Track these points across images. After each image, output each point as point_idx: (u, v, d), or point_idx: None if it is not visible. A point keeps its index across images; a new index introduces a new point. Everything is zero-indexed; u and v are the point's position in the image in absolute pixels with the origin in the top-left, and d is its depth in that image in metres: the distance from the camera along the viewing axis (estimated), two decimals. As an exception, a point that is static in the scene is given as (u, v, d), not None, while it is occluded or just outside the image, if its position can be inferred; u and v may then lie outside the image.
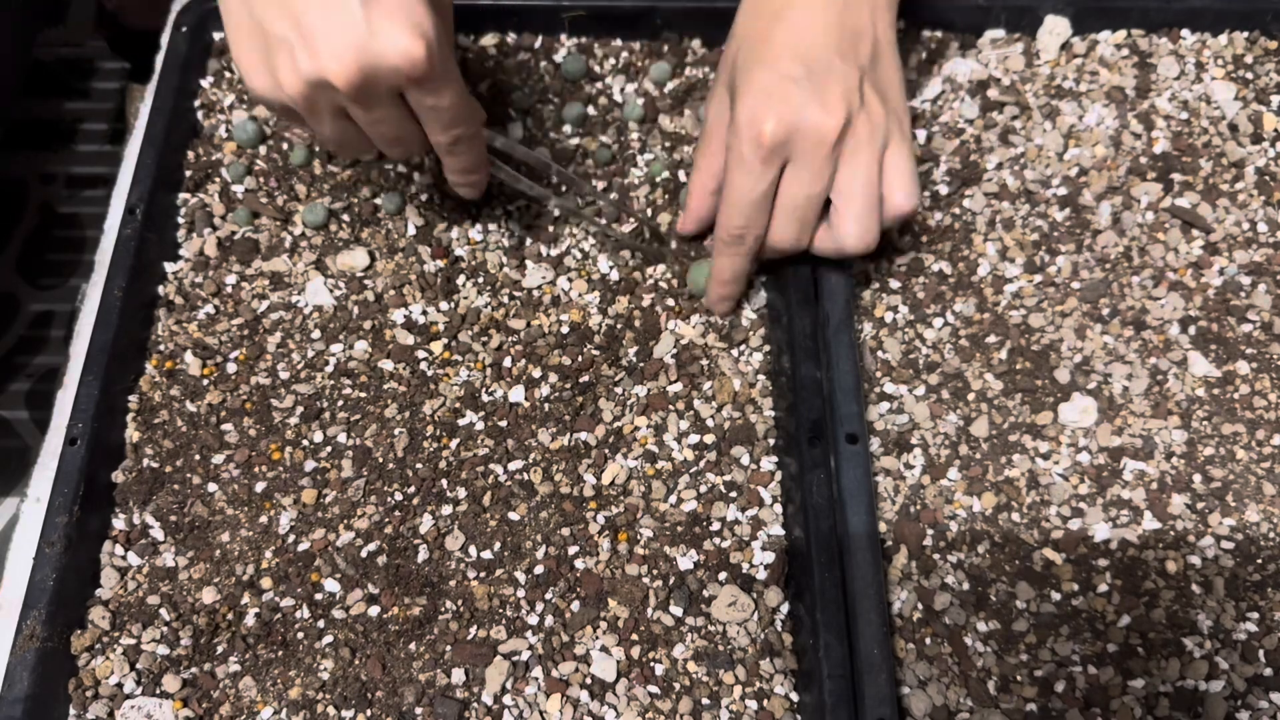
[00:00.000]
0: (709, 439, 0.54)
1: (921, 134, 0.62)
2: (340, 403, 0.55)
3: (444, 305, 0.58)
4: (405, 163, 0.62)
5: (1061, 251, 0.58)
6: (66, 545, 0.49)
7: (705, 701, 0.47)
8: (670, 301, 0.57)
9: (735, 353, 0.56)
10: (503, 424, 0.54)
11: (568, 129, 0.63)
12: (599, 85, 0.65)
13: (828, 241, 0.52)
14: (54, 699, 0.47)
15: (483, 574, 0.50)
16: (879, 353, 0.56)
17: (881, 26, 0.52)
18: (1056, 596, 0.49)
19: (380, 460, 0.53)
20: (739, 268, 0.54)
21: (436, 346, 0.56)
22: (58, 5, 1.33)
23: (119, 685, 0.48)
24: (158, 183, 0.59)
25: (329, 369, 0.56)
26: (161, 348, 0.57)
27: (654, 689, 0.48)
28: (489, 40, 0.66)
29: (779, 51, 0.50)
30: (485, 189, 0.55)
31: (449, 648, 0.49)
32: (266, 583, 0.50)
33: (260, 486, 0.53)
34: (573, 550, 0.51)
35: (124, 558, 0.51)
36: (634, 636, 0.49)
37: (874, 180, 0.50)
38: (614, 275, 0.58)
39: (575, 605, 0.49)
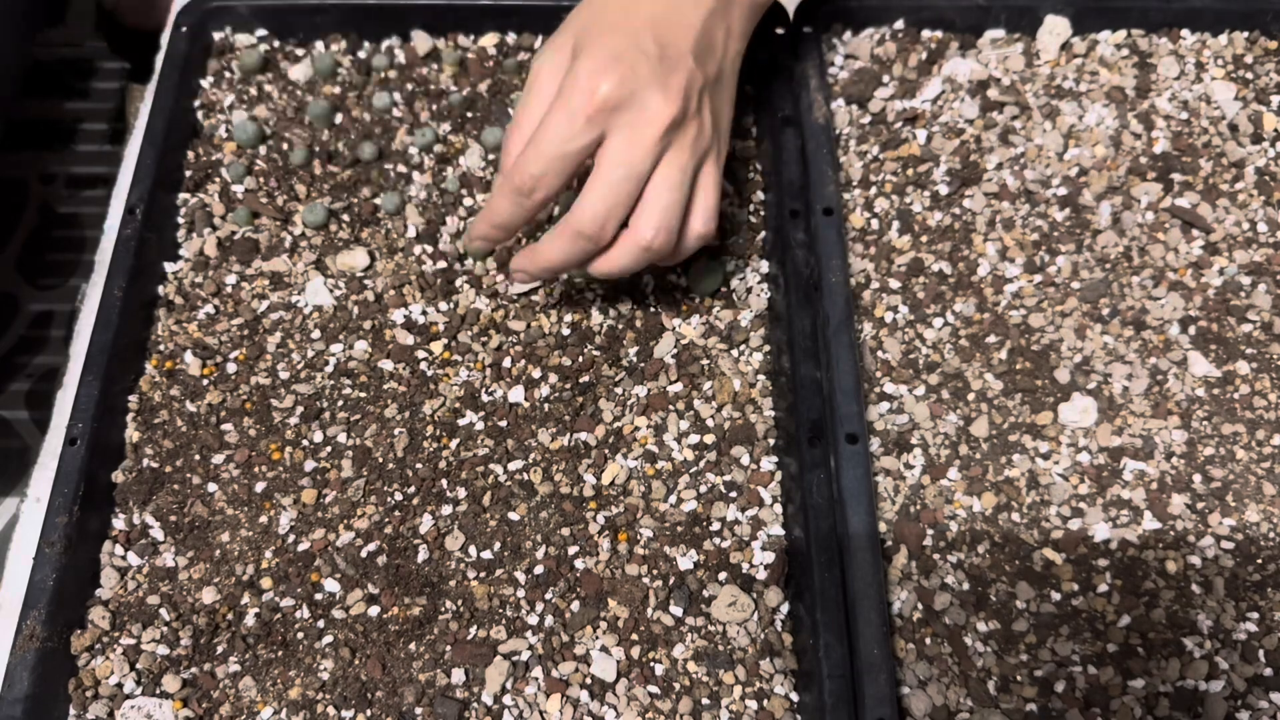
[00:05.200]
0: (709, 439, 0.54)
1: (922, 134, 0.62)
2: (340, 403, 0.55)
3: (444, 305, 0.58)
4: (405, 162, 0.62)
5: (1061, 251, 0.58)
6: (66, 545, 0.49)
7: (705, 701, 0.47)
8: (671, 301, 0.58)
9: (735, 353, 0.56)
10: (503, 424, 0.54)
11: (568, 129, 0.63)
12: (599, 85, 0.65)
13: (628, 241, 0.50)
14: (54, 699, 0.47)
15: (483, 574, 0.50)
16: (879, 353, 0.56)
17: (731, 52, 0.52)
18: (1056, 596, 0.49)
19: (380, 460, 0.53)
20: (515, 218, 0.51)
21: (436, 346, 0.56)
22: (58, 5, 1.33)
23: (119, 685, 0.48)
24: (158, 183, 0.59)
25: (329, 369, 0.56)
26: (161, 348, 0.57)
27: (654, 689, 0.48)
28: (489, 40, 0.66)
29: (639, 26, 0.48)
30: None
31: (449, 648, 0.49)
32: (266, 583, 0.50)
33: (260, 486, 0.53)
34: (573, 550, 0.51)
35: (124, 558, 0.51)
36: (634, 636, 0.49)
37: (686, 185, 0.49)
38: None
39: (575, 605, 0.49)
